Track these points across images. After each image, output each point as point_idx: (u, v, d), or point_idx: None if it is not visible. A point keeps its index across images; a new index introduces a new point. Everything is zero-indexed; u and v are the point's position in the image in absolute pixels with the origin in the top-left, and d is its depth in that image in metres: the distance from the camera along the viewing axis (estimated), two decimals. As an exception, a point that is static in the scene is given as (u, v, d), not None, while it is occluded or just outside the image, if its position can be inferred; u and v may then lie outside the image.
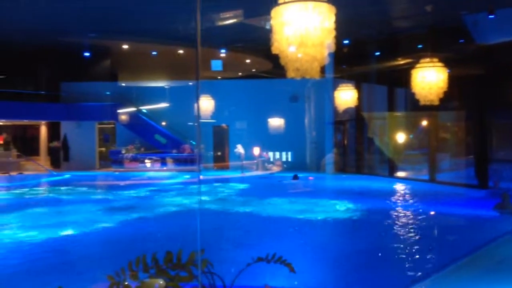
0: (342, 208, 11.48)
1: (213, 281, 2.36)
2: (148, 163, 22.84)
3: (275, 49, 3.53)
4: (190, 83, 22.30)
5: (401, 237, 8.42)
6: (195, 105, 20.78)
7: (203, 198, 13.23)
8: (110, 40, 20.82)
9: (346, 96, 17.16)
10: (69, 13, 16.67)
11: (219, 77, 23.24)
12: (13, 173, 20.87)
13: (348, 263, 6.83)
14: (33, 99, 25.11)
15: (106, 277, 2.17)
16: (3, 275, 6.21)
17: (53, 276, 6.02)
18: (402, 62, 17.66)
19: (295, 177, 18.26)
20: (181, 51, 21.91)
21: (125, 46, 22.07)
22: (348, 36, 17.22)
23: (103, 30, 18.98)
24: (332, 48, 3.60)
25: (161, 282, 2.29)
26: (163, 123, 24.18)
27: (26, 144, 26.82)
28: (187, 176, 19.95)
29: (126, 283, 2.22)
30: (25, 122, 26.33)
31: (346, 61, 19.10)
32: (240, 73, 24.55)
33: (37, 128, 27.15)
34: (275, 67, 20.80)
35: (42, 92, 25.29)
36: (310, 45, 3.53)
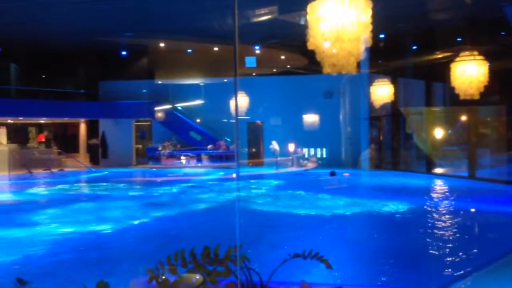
0: (379, 205, 11.32)
1: (250, 277, 2.37)
2: (183, 160, 23.12)
3: (310, 45, 3.51)
4: (225, 80, 22.43)
5: (440, 235, 8.23)
6: (231, 102, 20.99)
7: (237, 194, 13.31)
8: (147, 39, 21.17)
9: (382, 91, 16.90)
10: (107, 14, 17.04)
11: (254, 74, 23.28)
12: (55, 170, 21.49)
13: (384, 260, 6.74)
14: (73, 98, 25.83)
15: (146, 270, 2.21)
16: (45, 267, 6.43)
17: (93, 269, 6.20)
18: (440, 56, 17.25)
19: (332, 174, 18.11)
20: (216, 48, 22.07)
21: (162, 45, 22.39)
22: (384, 30, 16.95)
23: (140, 30, 19.33)
24: (369, 42, 3.56)
25: (199, 277, 2.31)
26: (198, 120, 24.41)
27: (66, 141, 27.63)
28: (222, 173, 20.11)
29: (164, 277, 2.25)
30: (66, 120, 27.10)
31: (382, 55, 18.79)
32: (274, 70, 24.52)
33: (76, 126, 27.91)
34: (310, 63, 20.73)
35: (82, 91, 25.98)
36: (346, 40, 3.50)
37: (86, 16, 17.64)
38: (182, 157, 23.15)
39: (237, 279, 2.32)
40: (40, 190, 15.61)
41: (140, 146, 25.66)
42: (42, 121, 26.78)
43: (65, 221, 9.70)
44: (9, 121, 25.08)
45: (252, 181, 16.84)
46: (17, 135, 26.29)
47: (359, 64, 3.74)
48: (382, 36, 17.30)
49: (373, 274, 6.05)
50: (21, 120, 25.52)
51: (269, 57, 23.12)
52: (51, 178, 18.96)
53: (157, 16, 17.36)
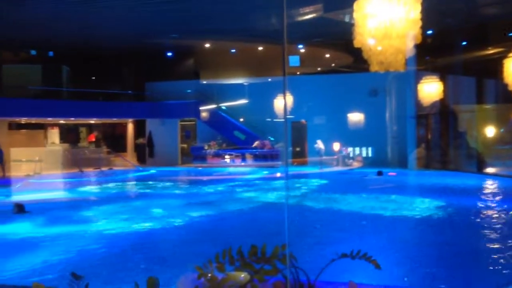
0: (428, 205, 11.02)
1: (297, 276, 2.36)
2: (227, 159, 23.31)
3: (357, 43, 3.46)
4: (269, 80, 22.46)
5: (491, 237, 7.93)
6: (275, 101, 21.00)
7: (283, 193, 13.29)
8: (193, 40, 21.49)
9: (430, 89, 16.45)
10: (154, 17, 17.42)
11: (298, 73, 23.20)
12: (104, 169, 22.17)
13: (433, 262, 6.56)
14: (121, 99, 26.57)
15: (195, 267, 2.25)
16: (93, 261, 6.65)
17: (142, 265, 6.36)
18: (492, 52, 16.60)
19: (380, 173, 17.79)
20: (260, 48, 22.13)
21: (207, 45, 22.67)
22: (432, 26, 16.49)
23: (186, 31, 19.64)
24: (418, 39, 3.47)
25: (246, 275, 2.33)
26: (241, 120, 24.55)
27: (114, 141, 28.43)
28: (266, 172, 20.15)
29: (212, 274, 2.28)
30: (114, 120, 27.86)
31: (429, 52, 18.30)
32: (319, 68, 24.35)
33: (124, 126, 28.66)
34: (355, 61, 20.46)
35: (129, 92, 26.68)
36: (395, 37, 3.43)
37: (134, 19, 18.10)
38: (226, 156, 23.35)
39: (285, 278, 2.32)
40: (91, 188, 16.15)
41: (185, 145, 26.06)
42: (92, 122, 27.67)
43: (116, 218, 10.00)
44: (61, 121, 26.07)
45: (297, 180, 16.77)
46: (68, 135, 27.30)
47: (406, 61, 3.65)
48: (429, 32, 16.83)
49: (423, 277, 5.91)
50: (72, 120, 26.47)
51: (313, 56, 22.98)
52: (101, 177, 19.58)
53: (202, 17, 17.60)
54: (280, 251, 2.37)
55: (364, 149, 22.61)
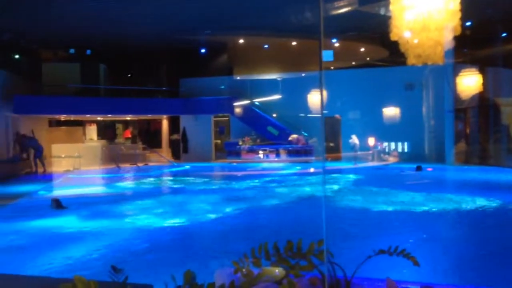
0: (469, 202, 10.73)
1: (334, 272, 2.34)
2: (261, 154, 23.35)
3: (394, 36, 3.39)
4: (302, 75, 22.34)
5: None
6: (308, 96, 20.89)
7: (318, 189, 13.21)
8: (227, 36, 21.57)
9: (469, 82, 16.03)
10: (188, 13, 17.59)
11: (332, 68, 22.98)
12: (140, 164, 22.56)
13: (472, 259, 6.40)
14: (156, 95, 26.98)
15: (231, 262, 2.26)
16: (132, 255, 6.80)
17: (179, 258, 6.46)
18: (534, 43, 16.01)
19: (418, 168, 17.45)
20: (294, 43, 22.01)
21: (241, 41, 22.71)
22: (471, 18, 16.02)
23: (219, 27, 19.75)
24: (457, 31, 3.37)
25: (282, 270, 2.33)
26: (274, 115, 24.53)
27: (150, 137, 28.93)
28: (299, 167, 20.08)
29: (248, 269, 2.29)
30: (149, 116, 28.33)
31: (468, 44, 17.79)
32: (353, 62, 24.05)
33: (159, 122, 29.11)
34: (391, 54, 20.10)
35: (164, 89, 27.05)
36: (433, 29, 3.34)
37: (169, 16, 18.32)
38: (260, 152, 23.39)
39: (321, 274, 2.31)
40: (129, 184, 16.49)
41: (218, 141, 26.24)
42: (128, 118, 28.22)
43: (153, 213, 10.18)
44: (98, 118, 26.69)
45: (332, 175, 16.63)
46: (105, 131, 27.94)
47: (444, 54, 3.56)
48: (468, 23, 16.35)
49: (460, 272, 5.78)
50: (109, 117, 27.05)
51: (347, 50, 22.71)
52: (137, 172, 19.95)
53: (236, 13, 17.65)
54: (316, 247, 2.36)
55: (400, 144, 22.23)
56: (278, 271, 2.31)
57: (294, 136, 22.80)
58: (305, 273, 2.33)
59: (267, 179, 16.34)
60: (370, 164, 20.43)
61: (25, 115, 21.39)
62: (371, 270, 2.43)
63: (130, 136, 27.49)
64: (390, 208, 10.25)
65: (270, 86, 24.34)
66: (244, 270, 2.26)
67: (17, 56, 24.15)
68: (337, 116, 23.12)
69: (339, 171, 18.23)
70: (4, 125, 19.96)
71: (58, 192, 13.91)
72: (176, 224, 8.99)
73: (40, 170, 19.10)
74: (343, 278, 2.37)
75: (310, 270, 2.32)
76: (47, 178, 17.89)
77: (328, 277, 2.38)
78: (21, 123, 21.16)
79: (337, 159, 22.37)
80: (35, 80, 24.43)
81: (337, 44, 22.02)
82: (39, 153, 19.41)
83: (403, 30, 3.36)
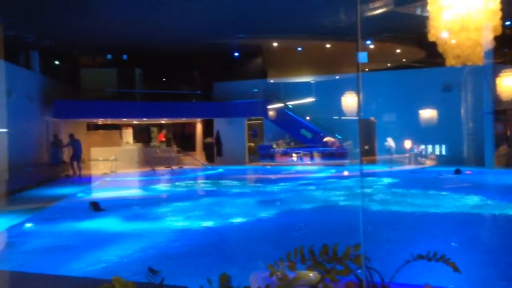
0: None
1: (370, 277, 2.31)
2: (294, 157, 23.26)
3: (431, 36, 3.32)
4: (336, 77, 22.15)
5: None
6: (342, 98, 20.69)
7: (353, 192, 13.05)
8: (261, 39, 21.63)
9: (509, 83, 15.53)
10: (222, 17, 17.74)
11: (366, 70, 22.71)
12: (174, 167, 22.83)
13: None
14: (190, 99, 27.31)
15: (266, 265, 2.26)
16: (168, 257, 6.88)
17: (214, 261, 6.49)
18: None
19: (457, 172, 17.00)
20: (328, 45, 21.86)
21: (275, 44, 22.73)
22: (511, 17, 15.53)
23: (253, 30, 19.83)
24: (497, 30, 3.27)
25: (317, 274, 2.31)
26: (307, 118, 24.41)
27: (184, 140, 29.27)
28: (333, 171, 19.90)
29: (283, 272, 2.28)
30: (183, 120, 28.65)
31: (508, 44, 17.24)
32: (388, 64, 23.70)
33: (193, 126, 29.42)
34: (428, 55, 19.70)
35: (197, 92, 27.36)
36: (472, 29, 3.25)
37: (203, 21, 18.52)
38: (294, 155, 23.31)
39: (358, 279, 2.28)
40: (164, 186, 16.72)
41: (252, 144, 26.30)
42: (163, 122, 28.63)
43: (188, 215, 10.28)
44: (134, 122, 27.19)
45: (368, 178, 16.39)
46: (140, 135, 28.43)
47: (484, 54, 3.46)
48: (508, 23, 15.86)
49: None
50: (145, 121, 27.53)
51: (382, 51, 22.40)
52: (172, 175, 20.20)
53: (270, 16, 17.68)
54: (352, 251, 2.33)
55: (437, 146, 21.72)
56: (313, 275, 2.30)
57: (330, 138, 22.60)
58: (341, 277, 2.31)
59: (302, 182, 16.24)
60: (406, 167, 20.04)
61: (65, 119, 22.00)
62: (410, 275, 2.38)
63: (164, 139, 27.87)
64: (429, 211, 10.03)
65: (303, 89, 24.24)
66: (279, 273, 2.25)
67: (57, 62, 24.90)
68: (372, 118, 22.81)
69: (374, 174, 17.96)
70: (45, 129, 20.58)
71: (97, 195, 14.23)
72: (211, 227, 9.06)
73: (77, 173, 19.56)
74: (380, 284, 2.33)
75: (346, 275, 2.29)
76: (86, 180, 18.32)
77: (365, 282, 2.34)
78: (60, 127, 21.77)
79: (372, 162, 22.05)
80: (74, 85, 25.12)
81: (372, 46, 21.74)
82: (78, 156, 19.85)
83: (441, 30, 3.28)
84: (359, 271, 2.32)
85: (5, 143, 13.37)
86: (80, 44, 23.02)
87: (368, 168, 20.02)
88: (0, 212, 10.71)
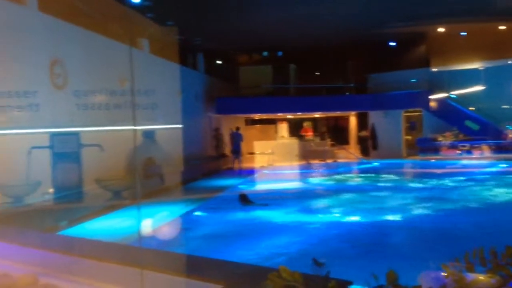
0: None
1: None
2: (458, 151, 21.57)
3: None
4: (509, 62, 19.95)
5: None
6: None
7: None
8: (423, 26, 20.43)
9: None
10: (377, 6, 17.18)
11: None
12: (329, 161, 22.90)
13: None
14: (343, 92, 27.11)
15: (440, 265, 2.11)
16: (331, 249, 6.87)
17: (380, 257, 6.32)
18: None
19: None
20: (501, 27, 19.75)
21: (440, 30, 21.23)
22: None
23: (413, 17, 18.85)
24: None
25: (499, 278, 2.10)
26: (471, 108, 22.43)
27: (337, 134, 29.15)
28: (505, 165, 18.05)
29: (460, 274, 2.10)
30: (336, 113, 28.57)
31: None
32: None
33: (346, 119, 29.17)
34: None
35: (351, 85, 27.00)
36: None
37: (359, 12, 18.15)
38: (459, 148, 21.60)
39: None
40: (321, 180, 16.89)
41: (409, 137, 25.09)
42: (317, 116, 28.87)
43: (351, 208, 10.29)
44: (288, 116, 27.90)
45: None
46: (294, 129, 29.05)
47: None
48: None
49: None
50: (299, 115, 28.07)
51: None
52: (327, 169, 20.29)
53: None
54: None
55: None
56: (495, 279, 2.10)
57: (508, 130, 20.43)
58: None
59: (473, 177, 15.07)
60: None
61: (226, 115, 23.53)
62: None
63: (310, 133, 27.86)
64: None
65: (470, 77, 22.31)
66: (455, 275, 2.10)
67: (218, 62, 26.72)
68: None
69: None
70: (208, 124, 22.31)
71: (258, 187, 14.94)
72: (375, 221, 8.87)
73: (237, 166, 20.67)
74: None
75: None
76: (246, 173, 19.32)
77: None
78: (221, 123, 23.37)
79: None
80: (233, 82, 26.72)
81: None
82: (238, 149, 21.01)
83: None
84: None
85: (180, 137, 14.83)
86: (238, 43, 24.30)
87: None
88: (176, 200, 11.80)
